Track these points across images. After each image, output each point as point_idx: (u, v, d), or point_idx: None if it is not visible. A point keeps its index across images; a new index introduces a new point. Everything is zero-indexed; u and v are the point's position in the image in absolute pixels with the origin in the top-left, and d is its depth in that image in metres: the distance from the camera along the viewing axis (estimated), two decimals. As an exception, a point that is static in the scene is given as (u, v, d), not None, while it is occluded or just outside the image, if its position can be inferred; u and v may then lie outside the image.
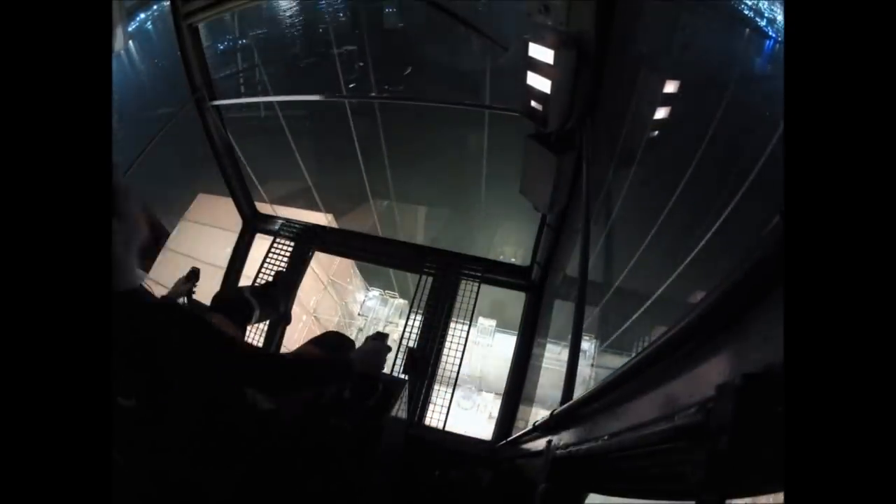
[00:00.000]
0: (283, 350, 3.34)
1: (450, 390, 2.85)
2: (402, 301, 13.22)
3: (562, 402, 1.22)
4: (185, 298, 1.49)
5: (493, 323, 10.57)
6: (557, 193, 2.31)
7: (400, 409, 1.70)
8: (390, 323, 11.99)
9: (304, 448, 1.11)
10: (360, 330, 11.64)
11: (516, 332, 3.21)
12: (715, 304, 0.49)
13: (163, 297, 1.50)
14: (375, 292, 13.15)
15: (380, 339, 1.41)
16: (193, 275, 1.56)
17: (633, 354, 0.68)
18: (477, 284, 3.17)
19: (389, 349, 1.44)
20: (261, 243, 3.52)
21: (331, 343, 1.38)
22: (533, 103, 2.06)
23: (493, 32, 2.47)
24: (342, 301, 11.54)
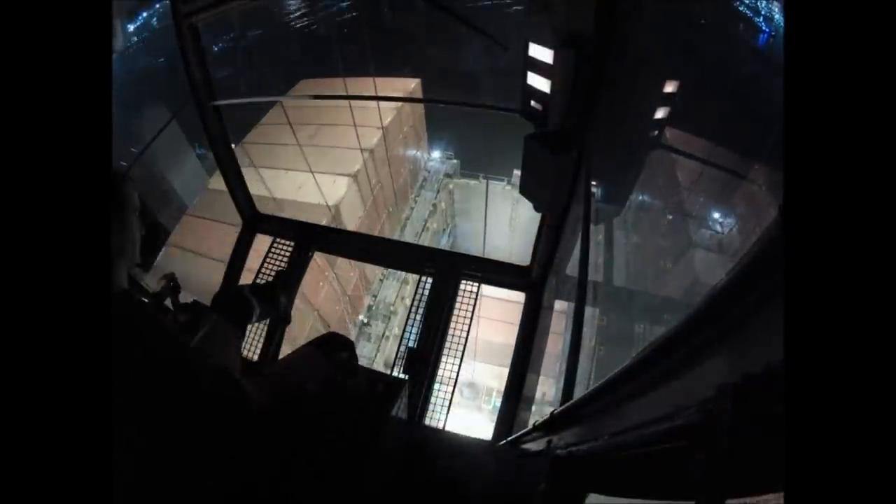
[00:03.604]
0: (283, 352, 3.34)
1: (450, 389, 2.85)
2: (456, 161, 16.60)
3: (562, 402, 1.22)
4: (170, 301, 1.49)
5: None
6: (557, 193, 2.31)
7: (400, 409, 1.70)
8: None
9: (303, 449, 1.11)
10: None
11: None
12: (715, 304, 0.49)
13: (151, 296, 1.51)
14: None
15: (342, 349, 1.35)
16: (170, 279, 1.56)
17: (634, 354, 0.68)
18: (477, 285, 3.17)
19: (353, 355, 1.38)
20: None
21: (332, 346, 1.37)
22: (533, 103, 2.06)
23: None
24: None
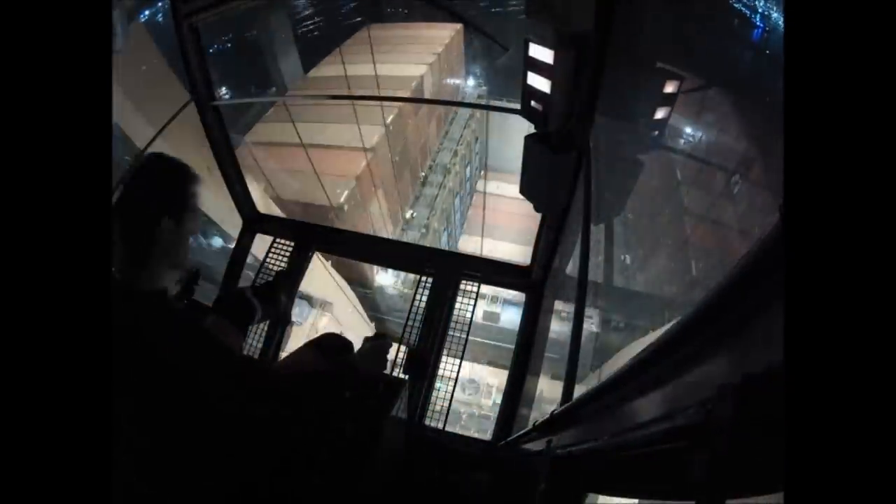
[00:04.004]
0: (283, 352, 3.33)
1: (450, 389, 2.86)
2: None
3: (562, 402, 1.22)
4: (185, 300, 1.49)
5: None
6: (557, 193, 2.31)
7: (400, 409, 1.70)
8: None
9: (304, 449, 1.11)
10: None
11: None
12: (715, 304, 0.49)
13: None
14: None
15: (381, 338, 1.41)
16: (194, 275, 1.55)
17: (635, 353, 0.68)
18: (477, 284, 3.17)
19: (391, 345, 1.44)
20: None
21: (331, 346, 1.37)
22: (533, 103, 2.06)
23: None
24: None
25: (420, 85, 16.73)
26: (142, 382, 0.82)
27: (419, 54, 18.25)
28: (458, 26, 18.81)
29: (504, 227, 17.71)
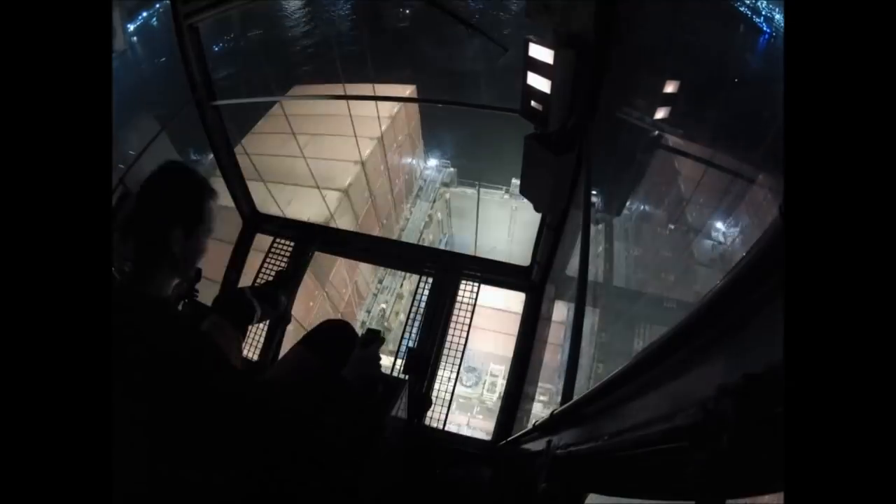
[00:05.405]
0: (283, 352, 3.33)
1: (450, 389, 2.85)
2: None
3: (562, 402, 1.22)
4: (186, 299, 1.48)
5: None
6: (557, 193, 2.31)
7: (400, 409, 1.70)
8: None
9: (304, 448, 1.11)
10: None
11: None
12: (715, 304, 0.49)
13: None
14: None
15: (371, 342, 1.37)
16: (195, 275, 1.55)
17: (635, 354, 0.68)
18: (477, 284, 3.17)
19: (384, 341, 1.41)
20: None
21: (324, 339, 1.36)
22: (533, 103, 2.06)
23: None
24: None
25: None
26: (142, 385, 0.82)
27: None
28: (410, 89, 14.13)
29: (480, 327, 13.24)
